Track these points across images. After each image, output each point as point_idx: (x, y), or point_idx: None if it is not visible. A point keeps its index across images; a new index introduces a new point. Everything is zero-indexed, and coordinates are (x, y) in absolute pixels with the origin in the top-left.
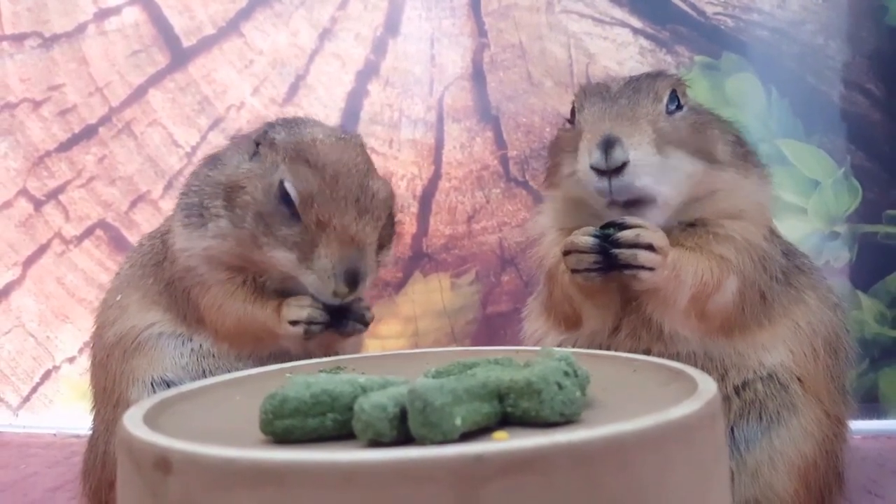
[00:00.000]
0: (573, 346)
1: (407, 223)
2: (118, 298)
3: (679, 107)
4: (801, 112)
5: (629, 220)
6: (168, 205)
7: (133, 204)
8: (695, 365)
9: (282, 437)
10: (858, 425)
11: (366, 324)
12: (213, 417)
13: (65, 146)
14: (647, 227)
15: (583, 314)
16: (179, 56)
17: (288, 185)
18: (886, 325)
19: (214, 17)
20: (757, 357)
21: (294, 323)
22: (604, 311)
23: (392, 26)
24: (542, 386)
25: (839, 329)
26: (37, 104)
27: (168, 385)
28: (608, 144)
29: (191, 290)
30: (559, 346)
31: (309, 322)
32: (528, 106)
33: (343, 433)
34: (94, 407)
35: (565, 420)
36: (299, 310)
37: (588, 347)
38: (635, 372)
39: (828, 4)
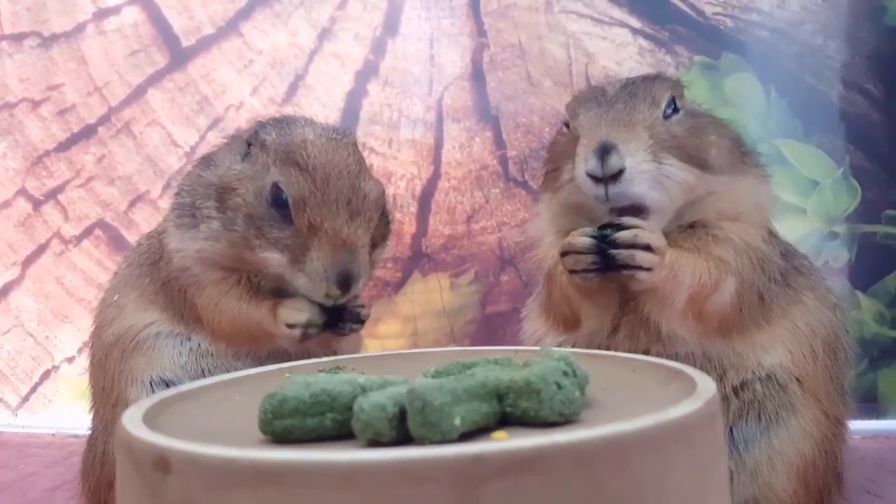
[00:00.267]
0: (572, 347)
1: (406, 223)
2: (116, 298)
3: (676, 110)
4: (800, 112)
5: (627, 220)
6: (167, 205)
7: (132, 204)
8: (693, 365)
9: (281, 437)
10: (857, 425)
11: (362, 322)
12: (213, 417)
13: (64, 146)
14: (644, 228)
15: (581, 315)
16: (178, 56)
17: (279, 190)
18: (885, 325)
19: (213, 17)
20: (755, 357)
21: (291, 326)
22: (602, 311)
23: (391, 26)
24: (542, 386)
25: (838, 329)
26: (36, 104)
27: (167, 384)
28: (604, 151)
29: (187, 289)
30: (558, 346)
31: (307, 325)
32: (527, 106)
33: (342, 433)
34: (92, 407)
35: (564, 420)
36: (297, 313)
37: (587, 348)
38: (634, 372)
39: (827, 4)
